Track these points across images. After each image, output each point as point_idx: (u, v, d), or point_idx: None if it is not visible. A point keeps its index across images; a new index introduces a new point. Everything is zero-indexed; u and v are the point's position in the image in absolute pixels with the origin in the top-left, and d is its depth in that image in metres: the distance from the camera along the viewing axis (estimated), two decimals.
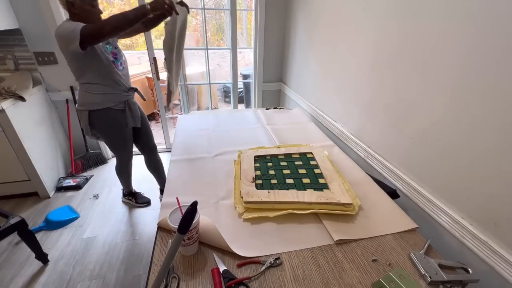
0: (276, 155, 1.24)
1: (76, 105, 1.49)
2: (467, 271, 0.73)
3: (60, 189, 2.17)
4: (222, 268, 0.71)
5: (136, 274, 1.50)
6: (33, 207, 1.99)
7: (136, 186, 2.10)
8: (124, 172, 1.83)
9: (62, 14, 1.97)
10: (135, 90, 1.61)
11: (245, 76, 3.62)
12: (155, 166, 1.92)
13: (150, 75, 2.41)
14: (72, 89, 2.25)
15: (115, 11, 4.81)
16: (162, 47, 1.33)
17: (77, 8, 1.26)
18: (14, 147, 1.83)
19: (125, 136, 1.61)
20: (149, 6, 1.09)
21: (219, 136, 1.49)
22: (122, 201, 2.04)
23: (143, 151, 1.85)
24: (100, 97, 1.43)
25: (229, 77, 2.68)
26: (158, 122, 3.71)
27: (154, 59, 2.33)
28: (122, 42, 5.21)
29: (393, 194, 1.09)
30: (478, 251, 0.83)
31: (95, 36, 1.19)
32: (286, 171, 1.11)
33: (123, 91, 1.51)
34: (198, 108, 3.87)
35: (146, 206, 2.00)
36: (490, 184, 0.79)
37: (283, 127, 1.63)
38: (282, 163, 1.17)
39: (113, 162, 2.65)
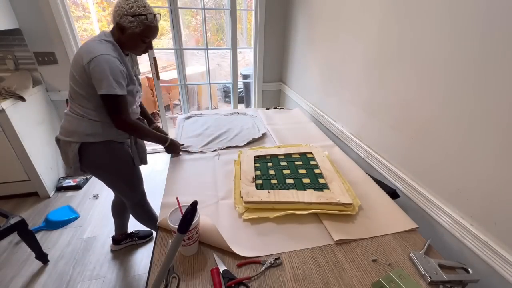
0: (276, 155, 1.24)
1: (60, 134, 1.14)
2: (467, 271, 0.73)
3: (60, 189, 2.17)
4: (222, 268, 0.71)
5: (136, 274, 1.50)
6: (33, 207, 1.99)
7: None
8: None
9: (62, 14, 1.97)
10: (143, 119, 1.36)
11: (245, 76, 3.62)
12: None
13: (150, 75, 2.40)
14: None
15: None
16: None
17: (126, 36, 1.06)
18: (14, 147, 1.83)
19: (134, 174, 1.30)
20: (168, 143, 1.26)
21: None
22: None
23: None
24: (98, 127, 1.12)
25: (229, 77, 2.68)
26: (158, 122, 3.71)
27: (154, 59, 2.33)
28: None
29: (393, 194, 1.09)
30: (478, 251, 0.83)
31: (122, 123, 1.10)
32: (286, 171, 1.11)
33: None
34: (198, 108, 3.87)
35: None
36: (490, 184, 0.79)
37: (283, 127, 1.63)
38: (282, 163, 1.17)
39: None
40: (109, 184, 1.30)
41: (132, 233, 1.69)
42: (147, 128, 1.21)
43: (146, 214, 1.44)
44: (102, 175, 1.25)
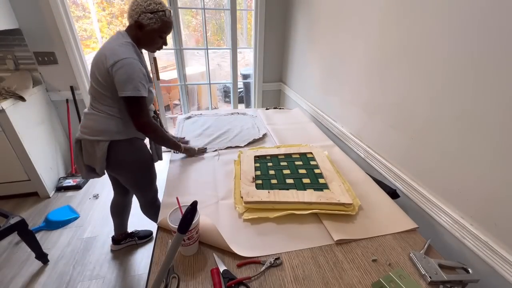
0: (276, 155, 1.24)
1: (84, 134, 1.13)
2: (467, 271, 0.73)
3: (60, 189, 2.17)
4: (222, 268, 0.71)
5: (136, 274, 1.50)
6: (33, 207, 1.99)
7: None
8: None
9: (62, 14, 1.97)
10: (157, 114, 1.37)
11: (245, 76, 3.62)
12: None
13: (151, 75, 2.40)
14: (72, 89, 2.25)
15: (115, 11, 4.82)
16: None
17: (145, 33, 1.08)
18: (14, 147, 1.83)
19: (153, 170, 1.33)
20: (182, 149, 1.27)
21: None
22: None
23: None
24: (126, 125, 1.14)
25: (229, 77, 2.68)
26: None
27: (154, 59, 2.33)
28: None
29: (393, 194, 1.09)
30: (478, 251, 0.83)
31: (144, 124, 1.11)
32: (286, 171, 1.11)
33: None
34: (198, 108, 3.87)
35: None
36: (490, 183, 0.79)
37: (283, 127, 1.63)
38: (282, 163, 1.17)
39: None
40: (129, 181, 1.30)
41: (132, 232, 1.69)
42: (164, 132, 1.23)
43: (157, 210, 1.43)
44: (124, 173, 1.25)
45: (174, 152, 1.31)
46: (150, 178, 1.32)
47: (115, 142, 1.14)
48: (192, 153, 1.30)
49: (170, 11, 1.10)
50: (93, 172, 1.25)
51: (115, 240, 1.63)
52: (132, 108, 1.08)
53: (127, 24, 1.12)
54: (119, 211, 1.54)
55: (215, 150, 1.34)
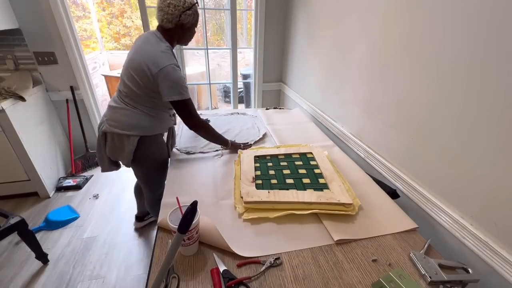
0: (276, 155, 1.24)
1: (113, 127, 1.15)
2: (467, 271, 0.73)
3: (60, 189, 2.17)
4: (222, 268, 0.71)
5: (136, 274, 1.50)
6: (33, 207, 1.99)
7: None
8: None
9: (62, 14, 1.97)
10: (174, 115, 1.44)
11: (245, 76, 3.62)
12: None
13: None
14: (72, 89, 2.25)
15: (115, 11, 4.82)
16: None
17: (185, 31, 1.12)
18: (14, 147, 1.83)
19: (167, 169, 1.33)
20: (229, 145, 1.32)
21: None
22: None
23: None
24: (155, 121, 1.21)
25: (229, 77, 2.68)
26: None
27: None
28: (122, 42, 5.21)
29: (393, 194, 1.09)
30: (478, 251, 0.83)
31: (195, 123, 1.19)
32: (286, 171, 1.11)
33: (171, 115, 1.33)
34: (198, 108, 3.87)
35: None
36: (490, 183, 0.79)
37: (283, 127, 1.63)
38: (282, 163, 1.17)
39: None
40: (145, 176, 1.32)
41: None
42: (214, 130, 1.27)
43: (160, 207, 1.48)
44: (144, 168, 1.28)
45: (221, 148, 1.34)
46: (163, 175, 1.33)
47: (143, 137, 1.18)
48: (237, 148, 1.34)
49: None
50: (114, 165, 1.30)
51: (139, 218, 1.73)
52: (181, 110, 1.14)
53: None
54: (142, 193, 1.59)
55: (217, 150, 1.34)
